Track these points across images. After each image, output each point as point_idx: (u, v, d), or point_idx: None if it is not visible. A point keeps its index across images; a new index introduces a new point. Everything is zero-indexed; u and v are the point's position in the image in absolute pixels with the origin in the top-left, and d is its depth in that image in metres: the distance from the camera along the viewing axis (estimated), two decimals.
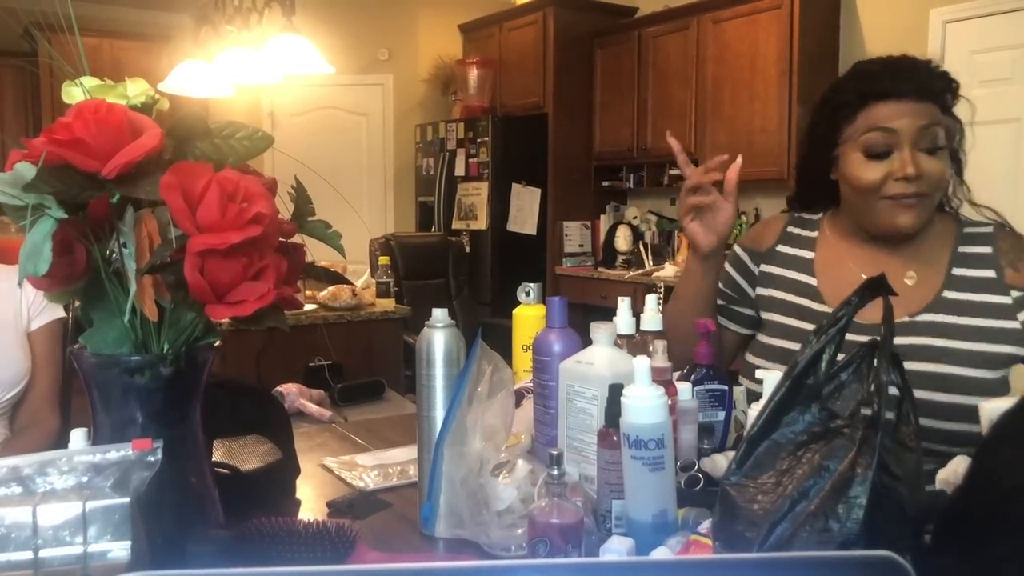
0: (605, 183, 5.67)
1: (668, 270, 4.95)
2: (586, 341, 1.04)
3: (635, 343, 1.14)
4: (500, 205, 5.54)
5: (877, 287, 0.69)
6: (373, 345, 3.25)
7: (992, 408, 0.74)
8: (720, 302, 1.44)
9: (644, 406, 0.85)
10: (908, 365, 1.07)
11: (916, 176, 1.18)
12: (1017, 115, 3.79)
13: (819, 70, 4.43)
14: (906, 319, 1.23)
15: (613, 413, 0.89)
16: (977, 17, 3.90)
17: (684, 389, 1.05)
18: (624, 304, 1.16)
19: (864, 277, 1.18)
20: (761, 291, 1.40)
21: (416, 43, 6.23)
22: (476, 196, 5.61)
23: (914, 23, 4.15)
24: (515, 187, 5.57)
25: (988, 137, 3.90)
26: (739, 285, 1.44)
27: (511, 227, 5.56)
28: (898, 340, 1.14)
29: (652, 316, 1.16)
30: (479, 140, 5.59)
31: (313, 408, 2.26)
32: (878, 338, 0.71)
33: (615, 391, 0.88)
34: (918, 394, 1.05)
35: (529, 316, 1.29)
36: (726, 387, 1.15)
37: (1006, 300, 1.23)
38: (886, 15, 4.30)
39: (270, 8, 3.29)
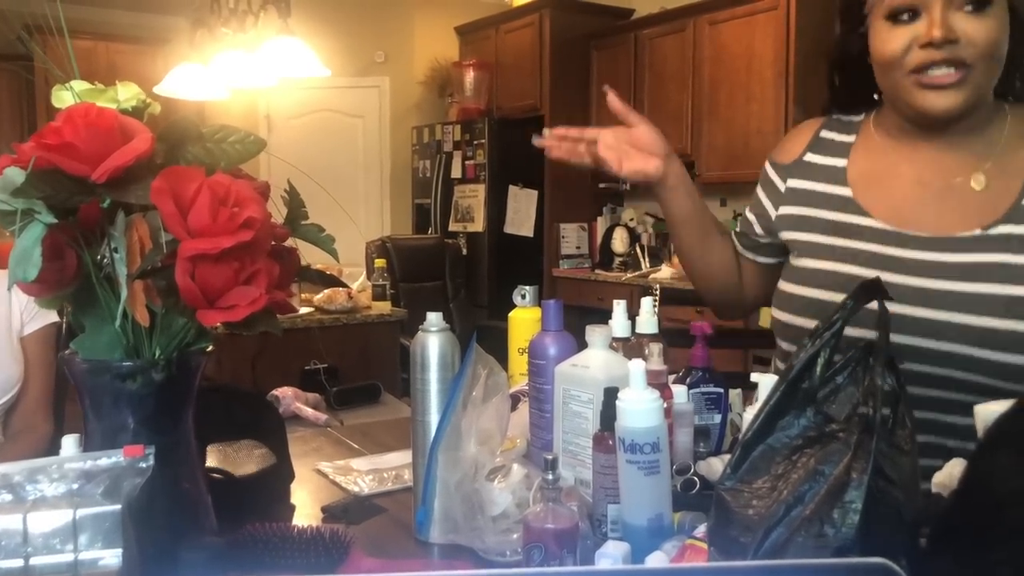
0: (602, 185, 5.67)
1: (665, 272, 4.95)
2: (582, 344, 1.04)
3: (631, 346, 1.14)
4: (497, 207, 5.54)
5: (872, 291, 0.69)
6: (369, 348, 3.25)
7: (988, 411, 0.73)
8: (739, 229, 1.30)
9: (639, 409, 0.84)
10: (976, 287, 0.99)
11: (944, 40, 0.95)
12: None
13: (815, 71, 4.40)
14: (977, 232, 1.02)
15: (608, 417, 0.88)
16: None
17: (680, 392, 1.05)
18: (620, 307, 1.16)
19: (918, 182, 1.08)
20: (785, 210, 1.19)
21: (412, 45, 6.23)
22: (473, 198, 5.61)
23: None
24: (512, 189, 5.57)
25: None
26: (763, 207, 1.24)
27: (508, 229, 5.56)
28: (965, 257, 1.01)
29: (648, 319, 1.16)
30: (476, 142, 5.59)
31: (309, 412, 2.26)
32: (873, 339, 0.71)
33: (610, 395, 0.88)
34: (998, 324, 0.96)
35: (525, 319, 1.28)
36: (722, 390, 1.14)
37: None
38: None
39: (266, 10, 3.29)
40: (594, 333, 1.02)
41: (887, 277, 0.99)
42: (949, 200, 1.06)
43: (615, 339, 1.12)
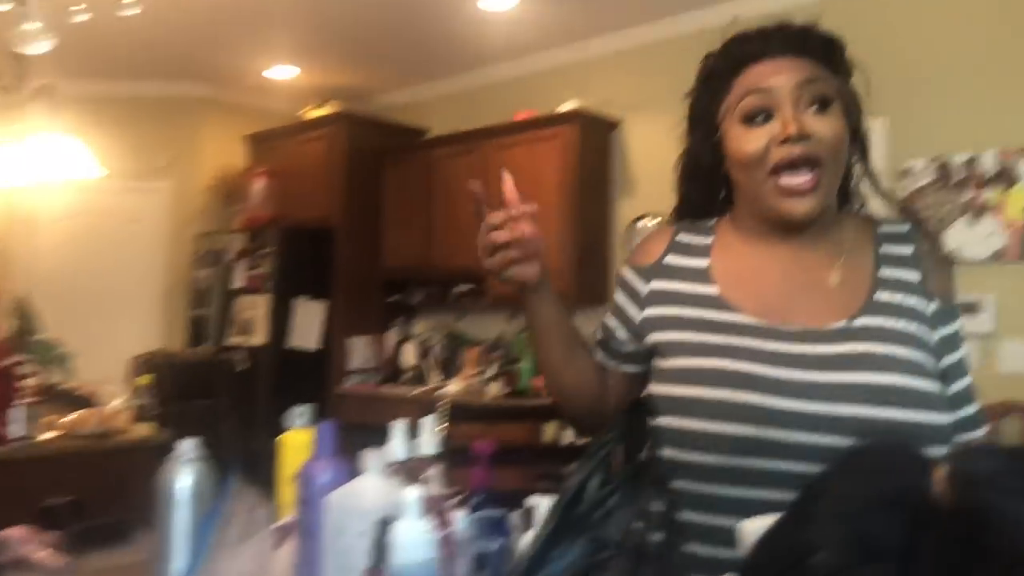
0: (393, 298, 5.64)
1: (454, 386, 4.94)
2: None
3: (410, 469, 1.08)
4: (281, 320, 5.34)
5: (641, 409, 0.69)
6: (127, 478, 2.93)
7: (751, 529, 0.75)
8: (600, 336, 1.27)
9: (412, 541, 0.79)
10: (852, 376, 1.01)
11: (800, 135, 1.03)
12: None
13: (593, 195, 4.74)
14: (842, 324, 1.06)
15: (380, 551, 0.82)
16: None
17: (458, 518, 1.00)
18: (399, 427, 1.10)
19: (781, 279, 1.11)
20: (650, 312, 1.19)
21: (200, 150, 6.02)
22: (254, 310, 5.38)
23: (674, 157, 4.55)
24: (298, 301, 5.41)
25: None
26: (625, 312, 1.23)
27: (292, 343, 5.36)
28: (836, 348, 1.05)
29: (428, 439, 1.11)
30: (261, 252, 5.42)
31: (42, 556, 1.96)
32: (643, 459, 0.70)
33: (383, 526, 0.82)
34: (866, 411, 0.99)
35: (297, 443, 1.19)
36: (502, 513, 1.11)
37: (929, 307, 1.10)
38: (652, 147, 4.70)
39: (34, 101, 3.05)
40: (369, 458, 0.96)
41: (763, 370, 1.04)
42: (812, 295, 1.11)
43: (392, 463, 1.06)
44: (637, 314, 1.21)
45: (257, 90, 5.99)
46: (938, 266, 1.14)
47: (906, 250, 1.14)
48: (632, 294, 1.23)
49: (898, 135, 3.76)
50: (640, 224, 4.64)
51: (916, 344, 1.06)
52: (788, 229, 1.12)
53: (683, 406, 1.07)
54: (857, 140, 1.14)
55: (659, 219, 4.55)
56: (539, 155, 4.79)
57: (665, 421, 1.07)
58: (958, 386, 1.11)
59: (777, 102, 1.06)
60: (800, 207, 1.06)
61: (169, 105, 5.91)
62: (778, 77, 1.06)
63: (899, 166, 3.74)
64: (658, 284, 1.20)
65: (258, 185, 5.73)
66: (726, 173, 1.16)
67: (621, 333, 1.24)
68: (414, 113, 5.96)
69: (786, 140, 1.04)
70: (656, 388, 1.14)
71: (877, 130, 3.82)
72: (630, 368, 1.25)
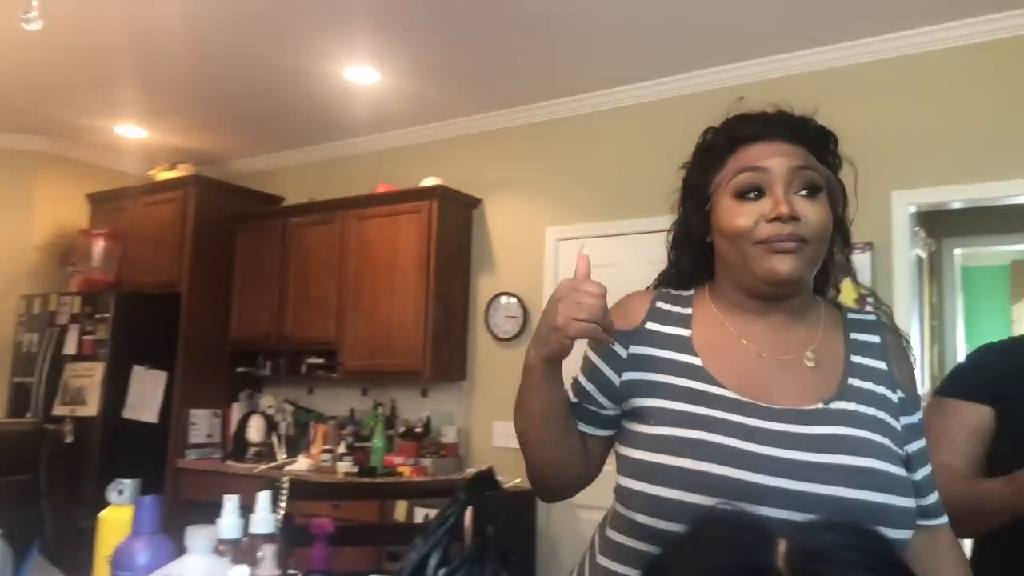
0: (240, 369, 5.40)
1: (302, 463, 4.74)
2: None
3: (242, 548, 1.00)
4: (117, 389, 4.99)
5: (484, 484, 0.66)
6: None
7: None
8: (575, 400, 1.22)
9: None
10: (830, 458, 1.03)
11: (790, 216, 1.07)
12: None
13: (453, 271, 4.75)
14: (820, 406, 1.09)
15: None
16: (582, 237, 4.49)
17: None
18: (230, 503, 1.02)
19: (760, 355, 1.13)
20: (630, 376, 1.18)
21: (32, 206, 5.64)
22: (87, 378, 5.00)
23: (533, 237, 4.66)
24: (136, 370, 5.08)
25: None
26: (602, 374, 1.20)
27: (128, 414, 5.01)
28: (815, 429, 1.07)
29: (263, 516, 1.04)
30: (98, 316, 5.08)
31: None
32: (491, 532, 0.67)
33: None
34: (842, 492, 1.01)
35: (118, 520, 1.09)
36: None
37: (895, 397, 1.15)
38: (511, 228, 4.78)
39: None
40: (195, 535, 0.88)
41: (745, 446, 1.04)
42: (790, 374, 1.13)
43: (223, 541, 0.98)
44: (616, 377, 1.19)
45: (104, 148, 5.71)
46: (901, 357, 1.19)
47: (874, 339, 1.18)
48: (611, 358, 1.19)
49: None
50: (501, 301, 4.69)
51: (885, 431, 1.10)
52: (769, 298, 1.15)
53: (662, 474, 1.05)
54: (840, 230, 1.19)
55: (514, 298, 4.61)
56: (399, 229, 4.78)
57: (639, 486, 1.07)
58: (921, 473, 1.15)
59: (770, 182, 1.11)
60: (784, 265, 1.08)
61: (1, 158, 5.53)
62: (774, 159, 1.12)
63: None
64: (640, 349, 1.18)
65: (99, 246, 5.42)
66: (711, 244, 1.20)
67: (600, 397, 1.20)
68: (271, 180, 5.84)
69: (776, 218, 1.08)
70: (633, 452, 1.12)
71: None
72: (607, 433, 1.22)
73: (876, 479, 1.03)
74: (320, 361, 5.07)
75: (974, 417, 1.63)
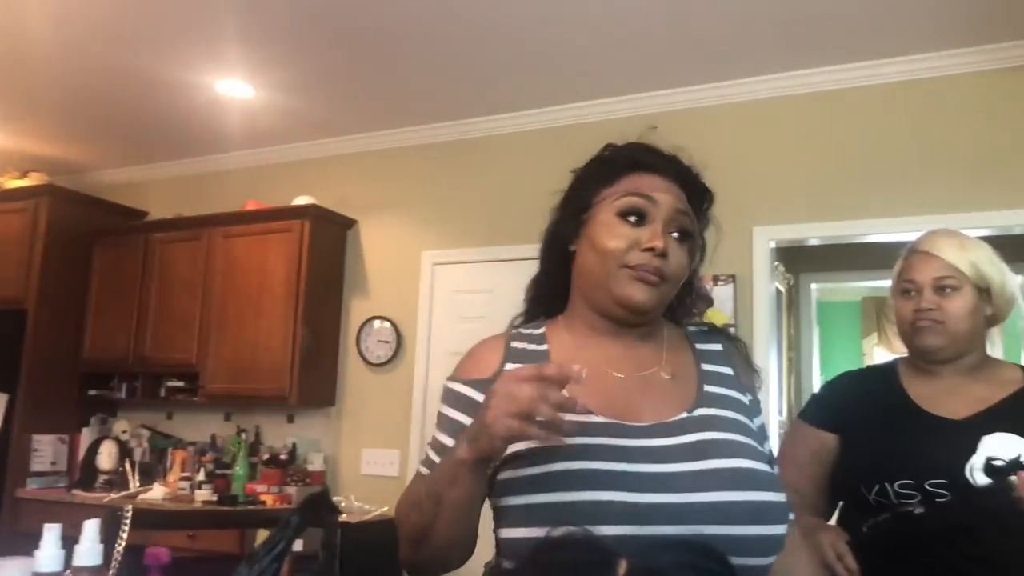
0: (92, 392, 5.08)
1: (157, 491, 4.48)
2: None
3: None
4: None
5: (319, 505, 0.62)
6: None
7: None
8: (438, 459, 1.13)
9: None
10: (707, 464, 1.04)
11: (662, 252, 1.12)
12: None
13: (324, 295, 4.64)
14: (684, 415, 1.11)
15: None
16: (459, 263, 4.48)
17: None
18: (51, 533, 0.93)
19: (619, 376, 1.13)
20: None
21: None
22: None
23: (409, 260, 4.61)
24: None
25: None
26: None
27: None
28: (685, 439, 1.07)
29: (89, 547, 0.95)
30: None
31: None
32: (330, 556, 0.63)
33: None
34: (728, 496, 1.01)
35: None
36: None
37: (745, 399, 1.19)
38: (386, 250, 4.72)
39: None
40: (4, 568, 0.80)
41: (626, 467, 1.03)
42: (651, 389, 1.14)
43: (38, 574, 0.89)
44: None
45: None
46: (744, 362, 1.25)
47: (715, 347, 1.24)
48: (471, 407, 1.13)
49: None
50: (374, 325, 4.60)
51: (747, 432, 1.13)
52: (623, 321, 1.17)
53: (549, 513, 1.00)
54: (687, 282, 1.24)
55: (387, 323, 4.54)
56: (269, 248, 4.63)
57: (525, 532, 1.01)
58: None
59: (655, 214, 1.14)
60: (642, 295, 1.12)
61: None
62: (665, 195, 1.16)
63: None
64: None
65: None
66: (571, 255, 1.22)
67: None
68: (134, 194, 5.57)
69: (649, 249, 1.12)
70: (513, 500, 1.05)
71: None
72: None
73: (754, 479, 1.05)
74: (181, 384, 4.83)
75: (818, 443, 1.72)
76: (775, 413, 3.94)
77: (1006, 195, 3.37)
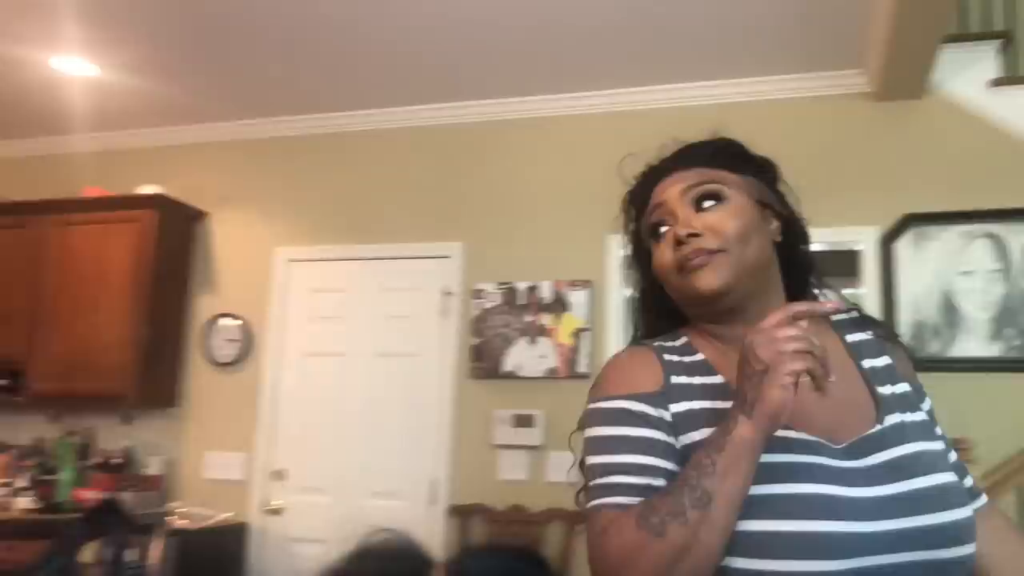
0: None
1: None
2: None
3: None
4: None
5: (106, 511, 0.56)
6: None
7: None
8: (645, 482, 0.96)
9: None
10: (913, 484, 0.93)
11: (690, 234, 1.03)
12: (343, 349, 4.23)
13: (168, 289, 4.39)
14: (878, 428, 0.98)
15: None
16: (315, 260, 4.35)
17: None
18: None
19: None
20: (691, 436, 0.98)
21: None
22: None
23: (261, 256, 4.44)
24: None
25: (318, 368, 4.27)
26: (661, 443, 0.99)
27: None
28: (890, 454, 0.96)
29: None
30: None
31: None
32: None
33: None
34: (936, 519, 0.91)
35: None
36: None
37: (909, 391, 1.06)
38: (238, 245, 4.52)
39: None
40: None
41: (842, 492, 0.91)
42: (832, 400, 0.94)
43: None
44: (675, 440, 0.99)
45: None
46: (897, 347, 1.13)
47: (867, 336, 1.11)
48: (655, 423, 1.00)
49: (473, 259, 4.08)
50: (221, 323, 4.39)
51: (930, 432, 1.03)
52: (724, 316, 1.07)
53: (763, 544, 0.89)
54: (791, 226, 1.13)
55: (236, 320, 4.35)
56: (109, 238, 4.35)
57: (739, 563, 0.89)
58: (954, 456, 1.08)
59: (670, 211, 1.09)
60: (702, 281, 1.03)
61: None
62: (669, 190, 1.10)
63: (472, 286, 4.04)
64: (680, 407, 1.01)
65: None
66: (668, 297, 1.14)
67: (670, 466, 0.97)
68: None
69: (678, 244, 1.05)
70: (744, 525, 0.92)
71: (454, 253, 4.11)
72: None
73: (953, 494, 0.96)
74: (3, 383, 4.44)
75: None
76: None
77: (832, 214, 3.59)
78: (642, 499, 0.92)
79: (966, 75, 3.60)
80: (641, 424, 0.99)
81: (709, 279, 1.02)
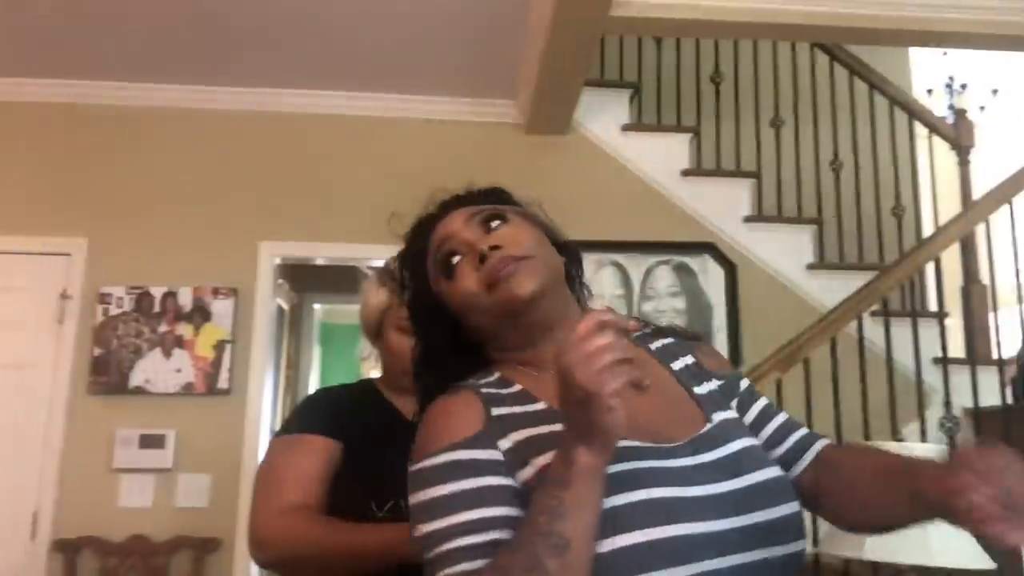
0: None
1: None
2: None
3: None
4: None
5: None
6: None
7: None
8: (488, 538, 0.86)
9: None
10: (749, 479, 0.92)
11: (492, 247, 1.01)
12: None
13: None
14: (709, 426, 0.99)
15: None
16: None
17: None
18: None
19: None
20: (525, 472, 0.91)
21: None
22: None
23: None
24: None
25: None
26: (499, 489, 0.90)
27: None
28: (723, 451, 0.95)
29: None
30: None
31: None
32: None
33: None
34: (778, 512, 0.91)
35: None
36: None
37: (718, 388, 1.07)
38: None
39: None
40: None
41: (679, 492, 0.88)
42: (647, 404, 0.95)
43: None
44: (511, 479, 0.91)
45: None
46: (699, 347, 1.14)
47: (668, 341, 1.13)
48: (487, 468, 0.92)
49: (100, 258, 3.62)
50: None
51: (744, 427, 1.04)
52: (535, 329, 1.04)
53: (611, 563, 0.83)
54: (564, 251, 1.13)
55: None
56: None
57: None
58: (779, 421, 1.10)
59: (461, 240, 1.05)
60: (518, 287, 1.00)
61: None
62: (452, 223, 1.08)
63: (97, 289, 3.58)
64: (511, 439, 0.95)
65: None
66: (467, 329, 1.09)
67: (513, 512, 0.89)
68: None
69: (482, 259, 1.01)
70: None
71: (76, 250, 3.62)
72: None
73: (784, 489, 0.96)
74: None
75: (328, 452, 1.63)
76: (269, 430, 3.84)
77: None
78: (489, 560, 0.83)
79: (604, 118, 3.96)
80: (471, 474, 0.91)
81: (524, 282, 1.00)
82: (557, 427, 0.89)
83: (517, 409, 0.98)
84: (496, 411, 0.98)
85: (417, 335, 1.13)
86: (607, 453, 0.83)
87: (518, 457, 0.92)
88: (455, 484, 0.90)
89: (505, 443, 0.94)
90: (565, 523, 0.80)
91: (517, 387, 1.02)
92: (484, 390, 1.01)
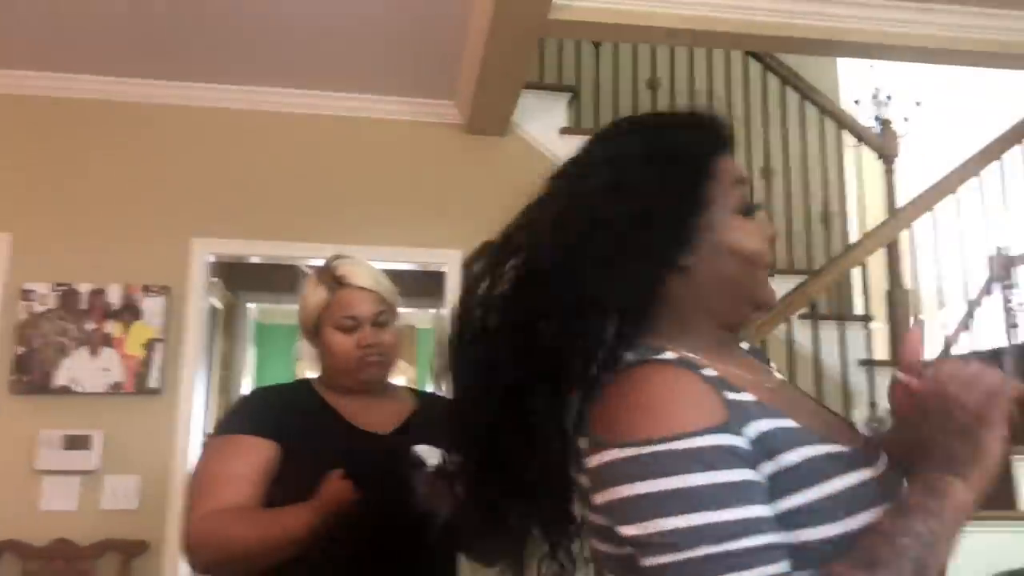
0: None
1: None
2: None
3: None
4: None
5: None
6: None
7: None
8: (774, 539, 0.78)
9: None
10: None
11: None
12: None
13: None
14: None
15: None
16: None
17: None
18: None
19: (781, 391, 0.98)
20: (767, 466, 0.82)
21: None
22: None
23: None
24: None
25: None
26: (757, 484, 0.83)
27: None
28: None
29: None
30: None
31: None
32: None
33: None
34: None
35: None
36: None
37: None
38: None
39: None
40: None
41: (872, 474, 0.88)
42: (806, 401, 1.03)
43: None
44: (760, 476, 0.82)
45: None
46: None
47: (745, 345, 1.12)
48: (750, 458, 0.81)
49: (23, 253, 3.50)
50: None
51: None
52: (733, 329, 1.04)
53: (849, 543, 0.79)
54: None
55: None
56: None
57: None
58: None
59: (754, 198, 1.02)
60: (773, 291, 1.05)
61: None
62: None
63: (20, 286, 3.46)
64: (754, 428, 0.84)
65: None
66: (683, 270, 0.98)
67: (770, 511, 0.81)
68: None
69: (772, 240, 1.00)
70: (811, 534, 0.80)
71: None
72: None
73: None
74: None
75: (266, 453, 1.60)
76: (202, 431, 3.76)
77: (424, 235, 3.74)
78: (783, 566, 0.75)
79: (542, 121, 3.99)
80: (741, 464, 0.79)
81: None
82: (785, 422, 0.85)
83: (734, 396, 0.85)
84: (730, 396, 0.85)
85: (616, 273, 0.90)
86: (982, 484, 0.80)
87: (764, 448, 0.82)
88: (731, 473, 0.78)
89: (750, 432, 0.83)
90: (932, 556, 0.77)
91: (712, 371, 0.87)
92: (704, 371, 0.87)
